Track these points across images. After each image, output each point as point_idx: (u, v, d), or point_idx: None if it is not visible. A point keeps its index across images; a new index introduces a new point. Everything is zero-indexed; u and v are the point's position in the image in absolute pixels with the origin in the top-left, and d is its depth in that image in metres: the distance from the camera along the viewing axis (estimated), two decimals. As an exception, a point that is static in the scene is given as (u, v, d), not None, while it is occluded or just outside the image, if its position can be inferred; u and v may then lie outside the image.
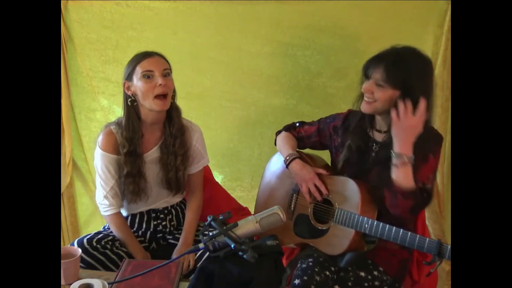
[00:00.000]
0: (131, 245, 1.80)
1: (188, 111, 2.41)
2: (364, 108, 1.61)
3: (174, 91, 1.80)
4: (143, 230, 1.89)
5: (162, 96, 1.70)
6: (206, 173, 2.07)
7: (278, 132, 1.95)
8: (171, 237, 1.92)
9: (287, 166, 1.79)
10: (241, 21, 2.26)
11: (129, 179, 1.76)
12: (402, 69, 1.53)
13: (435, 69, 2.16)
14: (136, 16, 2.29)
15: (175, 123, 1.80)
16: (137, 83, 1.71)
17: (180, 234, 1.87)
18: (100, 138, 1.77)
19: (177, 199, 1.93)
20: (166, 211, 1.91)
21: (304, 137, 1.88)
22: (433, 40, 2.15)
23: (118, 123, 1.78)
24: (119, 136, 1.75)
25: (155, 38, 2.33)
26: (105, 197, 1.79)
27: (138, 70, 1.70)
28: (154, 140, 1.81)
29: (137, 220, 1.89)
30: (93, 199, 2.62)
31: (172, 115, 1.80)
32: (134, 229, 1.89)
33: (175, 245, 1.85)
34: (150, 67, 1.69)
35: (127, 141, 1.73)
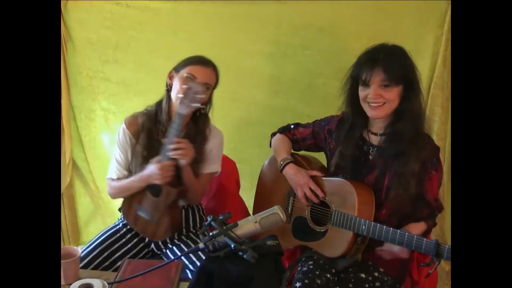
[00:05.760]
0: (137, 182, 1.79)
1: (188, 111, 2.42)
2: (375, 114, 1.59)
3: (210, 104, 1.89)
4: None
5: None
6: (232, 186, 2.10)
7: (273, 134, 1.93)
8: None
9: (281, 171, 1.78)
10: (241, 21, 2.26)
11: (142, 159, 1.79)
12: (399, 63, 1.57)
13: (435, 69, 2.17)
14: (136, 16, 2.30)
15: (197, 130, 1.85)
16: (178, 80, 1.77)
17: (178, 242, 1.85)
18: (128, 118, 1.88)
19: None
20: None
21: (299, 139, 1.87)
22: (433, 40, 2.15)
23: (146, 112, 1.86)
24: (140, 123, 1.83)
25: (155, 38, 2.33)
26: (113, 165, 1.87)
27: (186, 70, 1.77)
28: None
29: None
30: (93, 199, 2.62)
31: (198, 121, 1.87)
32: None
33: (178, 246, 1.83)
34: (195, 73, 1.76)
35: (145, 129, 1.81)
